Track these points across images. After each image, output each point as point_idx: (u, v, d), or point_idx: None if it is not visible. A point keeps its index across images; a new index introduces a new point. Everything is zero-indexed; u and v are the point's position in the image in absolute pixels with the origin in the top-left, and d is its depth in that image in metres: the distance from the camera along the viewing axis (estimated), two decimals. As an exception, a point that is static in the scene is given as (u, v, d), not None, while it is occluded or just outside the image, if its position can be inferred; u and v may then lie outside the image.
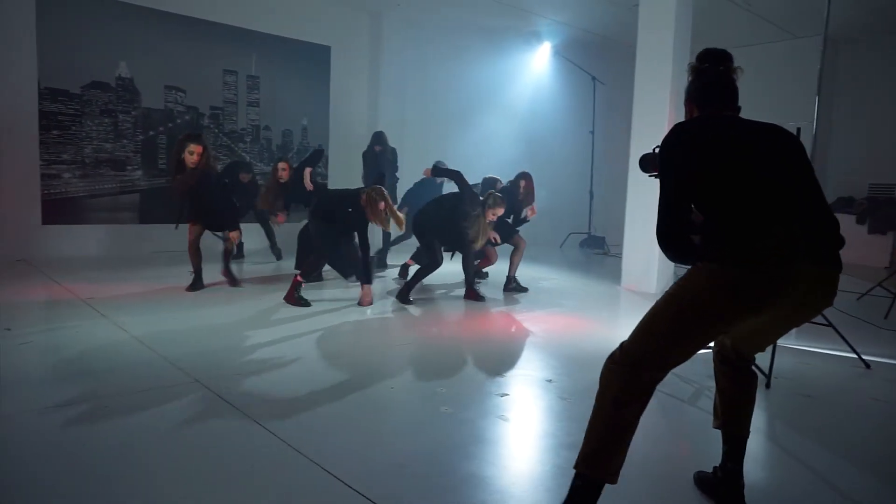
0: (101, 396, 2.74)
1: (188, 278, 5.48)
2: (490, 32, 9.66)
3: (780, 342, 3.56)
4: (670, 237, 1.80)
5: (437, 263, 5.32)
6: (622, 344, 1.85)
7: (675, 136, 1.84)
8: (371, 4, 8.85)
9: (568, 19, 9.13)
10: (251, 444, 2.36)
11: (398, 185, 7.27)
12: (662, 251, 1.83)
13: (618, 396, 1.77)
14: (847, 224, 9.41)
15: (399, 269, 6.42)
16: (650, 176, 2.22)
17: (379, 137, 7.05)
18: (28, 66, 6.52)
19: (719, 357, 2.09)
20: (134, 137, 7.28)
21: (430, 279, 5.57)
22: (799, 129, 3.69)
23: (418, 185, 6.99)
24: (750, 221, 1.72)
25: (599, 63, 10.15)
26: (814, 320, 3.94)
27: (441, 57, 9.54)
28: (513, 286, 5.91)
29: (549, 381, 3.28)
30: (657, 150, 1.94)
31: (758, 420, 2.87)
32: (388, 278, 6.37)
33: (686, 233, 1.78)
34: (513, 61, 10.13)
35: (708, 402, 3.00)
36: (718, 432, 2.12)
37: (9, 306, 4.42)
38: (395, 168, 7.25)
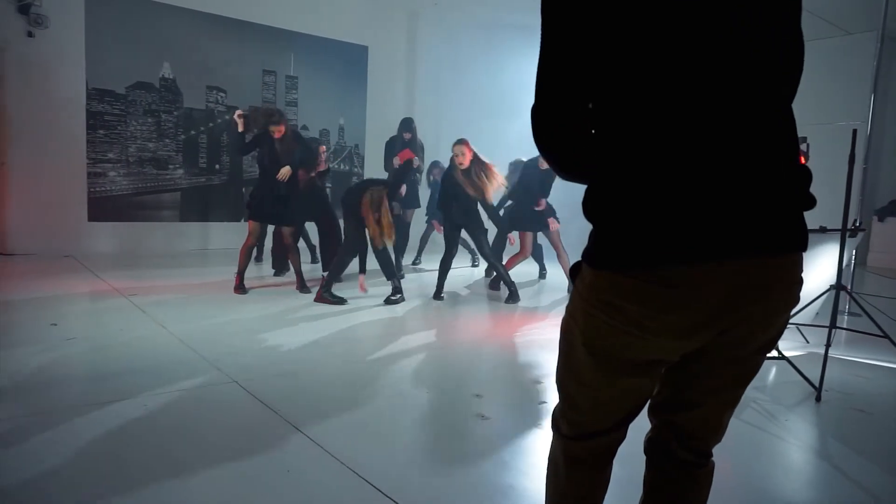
0: (140, 394, 2.78)
1: (223, 276, 5.56)
2: (526, 30, 9.52)
3: (830, 352, 3.39)
4: (552, 116, 1.08)
5: (451, 253, 5.32)
6: None
7: None
8: (408, 3, 8.84)
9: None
10: (288, 448, 2.35)
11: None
12: (541, 149, 1.14)
13: (554, 462, 1.34)
14: (857, 217, 9.02)
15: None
16: None
17: (408, 124, 6.49)
18: (77, 66, 6.71)
19: (655, 447, 1.30)
20: (176, 137, 7.43)
21: (465, 277, 5.51)
22: (855, 131, 3.53)
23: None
24: (678, 162, 0.98)
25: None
26: (867, 330, 3.79)
27: (477, 55, 9.48)
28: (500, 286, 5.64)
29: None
30: None
31: (808, 436, 2.75)
32: (422, 277, 6.34)
33: (581, 117, 1.07)
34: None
35: (754, 414, 2.88)
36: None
37: (55, 301, 4.54)
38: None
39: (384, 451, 2.39)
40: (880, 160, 9.40)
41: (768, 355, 1.22)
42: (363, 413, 2.77)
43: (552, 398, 3.06)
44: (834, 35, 9.15)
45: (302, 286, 5.29)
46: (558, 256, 5.82)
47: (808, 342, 4.19)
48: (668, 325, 1.03)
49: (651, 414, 1.30)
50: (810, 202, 1.07)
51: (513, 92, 9.74)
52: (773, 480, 2.32)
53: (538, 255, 6.64)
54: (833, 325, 3.41)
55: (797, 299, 1.12)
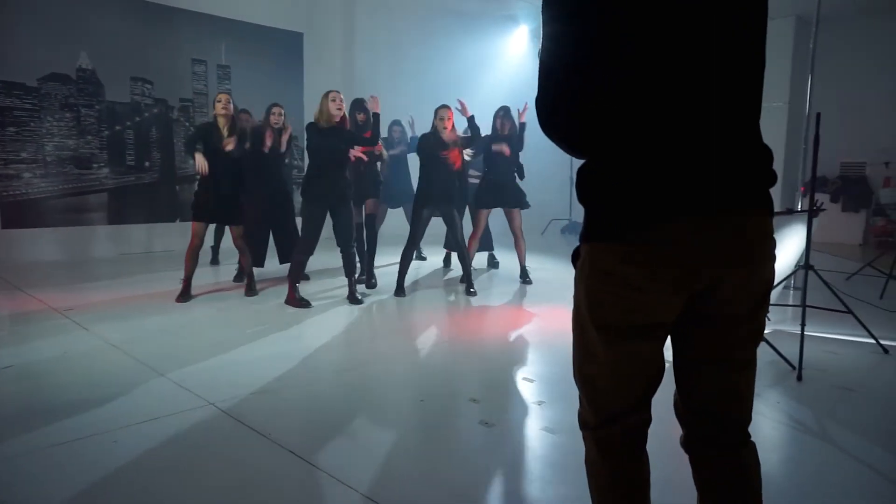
0: (107, 429, 2.48)
1: (168, 283, 5.17)
2: (465, 16, 9.43)
3: (791, 328, 3.49)
4: (555, 106, 1.19)
5: (414, 240, 5.12)
6: None
7: None
8: (344, -12, 8.51)
9: (546, 2, 8.96)
10: (287, 475, 2.16)
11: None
12: (548, 135, 1.22)
13: (591, 461, 1.35)
14: (818, 199, 9.60)
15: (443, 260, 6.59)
16: None
17: (360, 105, 5.70)
18: (-21, 57, 6.01)
19: (693, 442, 1.33)
20: (99, 133, 6.82)
21: (413, 269, 5.33)
22: (819, 115, 3.62)
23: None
24: (657, 135, 1.13)
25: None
26: (832, 307, 3.94)
27: (416, 41, 9.27)
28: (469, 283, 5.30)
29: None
30: None
31: (804, 417, 2.80)
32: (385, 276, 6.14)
33: (579, 107, 1.17)
34: (489, 45, 9.93)
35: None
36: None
37: (-21, 324, 4.05)
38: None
39: (395, 470, 2.24)
40: (800, 140, 9.93)
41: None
42: (360, 429, 2.59)
43: (548, 397, 2.99)
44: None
45: (250, 289, 5.01)
46: (516, 242, 5.75)
47: (769, 319, 4.33)
48: (660, 279, 1.15)
49: (679, 413, 1.34)
50: (772, 177, 1.22)
51: (453, 78, 9.61)
52: (781, 466, 2.34)
53: (487, 241, 6.46)
54: (805, 304, 3.51)
55: (772, 254, 1.23)
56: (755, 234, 1.19)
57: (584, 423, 1.35)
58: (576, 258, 1.27)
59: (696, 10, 1.13)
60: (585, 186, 1.22)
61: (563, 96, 1.19)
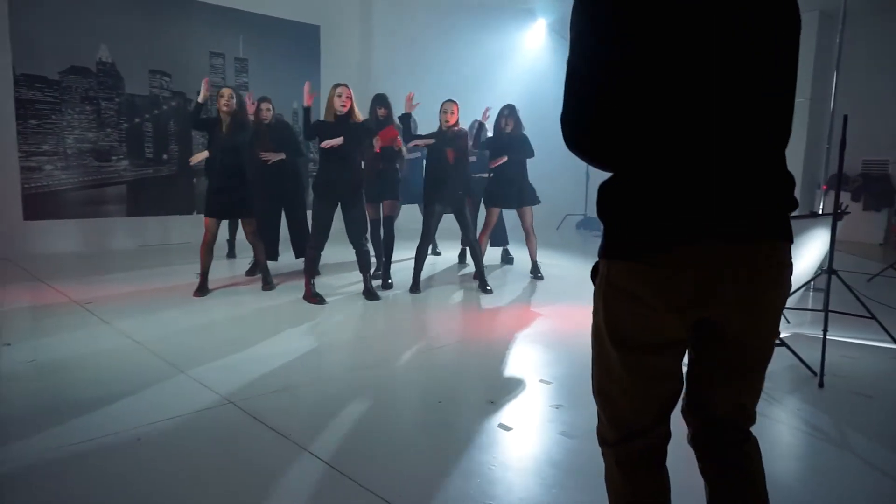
0: (129, 427, 2.51)
1: (185, 276, 5.20)
2: (483, 9, 9.36)
3: (811, 332, 3.45)
4: (580, 124, 1.18)
5: (427, 236, 5.08)
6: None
7: None
8: (361, -20, 8.48)
9: (564, -5, 8.87)
10: (307, 478, 2.17)
11: None
12: (574, 152, 1.22)
13: (611, 479, 1.37)
14: (843, 201, 9.45)
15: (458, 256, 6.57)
16: None
17: (382, 100, 5.64)
18: (1, 51, 6.06)
19: (698, 440, 1.37)
20: (118, 126, 6.88)
21: (428, 265, 5.32)
22: (846, 117, 3.55)
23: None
24: (676, 155, 1.13)
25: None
26: (854, 311, 3.88)
27: (433, 35, 9.21)
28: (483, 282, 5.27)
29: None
30: None
31: (826, 426, 2.76)
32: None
33: (604, 125, 1.16)
34: (507, 38, 9.86)
35: (761, 403, 2.89)
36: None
37: (1, 316, 4.11)
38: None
39: (417, 475, 2.24)
40: (822, 137, 9.77)
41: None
42: (377, 430, 2.60)
43: (566, 400, 2.98)
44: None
45: (266, 284, 5.04)
46: (527, 238, 5.72)
47: (788, 322, 4.28)
48: (670, 301, 1.17)
49: (685, 414, 1.38)
50: (792, 205, 1.22)
51: (469, 71, 9.57)
52: (799, 473, 2.31)
53: (501, 236, 6.43)
54: (827, 309, 3.46)
55: (785, 281, 1.23)
56: (767, 263, 1.19)
57: (603, 440, 1.36)
58: (595, 273, 1.29)
59: (721, 30, 1.11)
60: (604, 203, 1.23)
61: (583, 103, 1.18)
